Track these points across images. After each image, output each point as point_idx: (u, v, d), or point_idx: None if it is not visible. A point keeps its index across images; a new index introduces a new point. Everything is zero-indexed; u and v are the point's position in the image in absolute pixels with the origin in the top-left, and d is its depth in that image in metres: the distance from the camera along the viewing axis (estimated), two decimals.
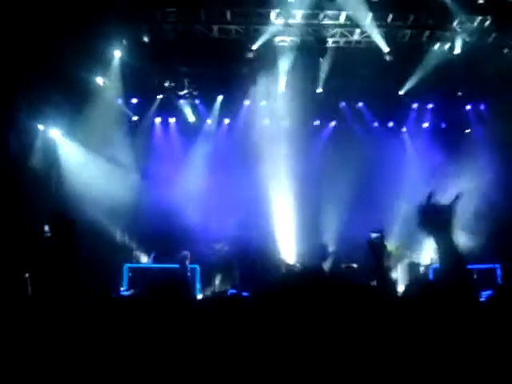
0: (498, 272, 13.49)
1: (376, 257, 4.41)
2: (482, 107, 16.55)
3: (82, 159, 14.30)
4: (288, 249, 15.84)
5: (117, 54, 14.35)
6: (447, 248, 2.83)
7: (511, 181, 14.54)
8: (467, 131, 16.97)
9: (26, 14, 11.37)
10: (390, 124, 17.33)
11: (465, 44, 14.34)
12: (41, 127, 13.87)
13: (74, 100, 13.72)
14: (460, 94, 16.02)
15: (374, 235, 4.51)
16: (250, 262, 14.94)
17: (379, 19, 13.84)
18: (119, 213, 14.58)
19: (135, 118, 16.55)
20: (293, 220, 16.02)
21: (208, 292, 13.80)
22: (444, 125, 17.17)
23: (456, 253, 2.84)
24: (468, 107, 16.64)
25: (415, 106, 16.73)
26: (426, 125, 17.05)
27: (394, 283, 4.44)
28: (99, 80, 14.43)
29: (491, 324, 2.70)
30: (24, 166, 12.78)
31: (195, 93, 16.23)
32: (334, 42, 14.79)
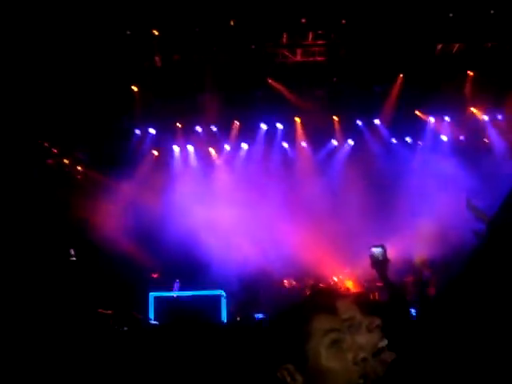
0: None
1: (379, 271, 4.39)
2: (500, 117, 16.43)
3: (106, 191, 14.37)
4: (311, 271, 15.70)
5: (135, 88, 14.53)
6: None
7: None
8: (486, 141, 16.85)
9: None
10: (408, 139, 17.23)
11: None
12: (66, 161, 14.02)
13: (97, 135, 13.90)
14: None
15: (375, 250, 4.48)
16: (275, 286, 14.90)
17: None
18: (144, 241, 14.62)
19: (154, 150, 16.66)
20: (314, 242, 15.92)
21: (235, 317, 13.75)
22: (462, 137, 17.06)
23: None
24: (485, 118, 16.51)
25: (432, 119, 16.64)
26: (444, 138, 16.93)
27: (403, 298, 4.37)
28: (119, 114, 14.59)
29: None
30: (49, 198, 12.92)
31: (212, 119, 16.33)
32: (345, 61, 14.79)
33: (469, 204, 4.04)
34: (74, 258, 12.33)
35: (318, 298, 2.41)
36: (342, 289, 15.21)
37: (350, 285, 15.54)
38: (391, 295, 4.27)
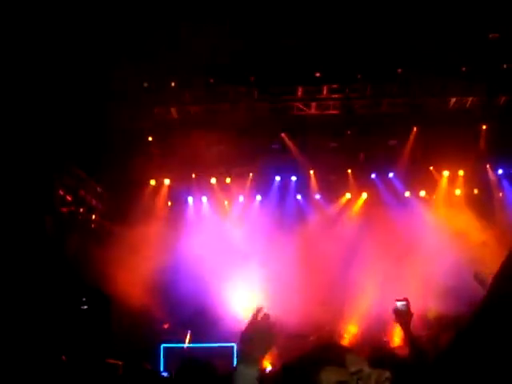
0: None
1: (402, 325, 4.35)
2: None
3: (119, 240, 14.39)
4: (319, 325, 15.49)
5: (150, 138, 14.72)
6: None
7: None
8: (500, 195, 16.83)
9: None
10: (422, 193, 17.22)
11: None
12: (81, 210, 14.10)
13: (112, 184, 14.01)
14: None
15: (399, 304, 4.45)
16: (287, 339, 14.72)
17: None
18: (156, 292, 14.56)
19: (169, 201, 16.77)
20: (328, 295, 15.78)
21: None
22: (476, 191, 17.04)
23: None
24: (500, 171, 16.52)
25: (446, 173, 16.64)
26: (458, 192, 16.90)
27: (424, 353, 4.31)
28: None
29: None
30: (61, 249, 12.95)
31: (227, 171, 16.45)
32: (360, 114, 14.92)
33: (476, 277, 4.03)
34: (85, 307, 12.28)
35: (327, 351, 2.40)
36: (353, 342, 15.07)
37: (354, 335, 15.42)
38: (414, 350, 4.23)
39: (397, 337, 13.42)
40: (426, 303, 14.57)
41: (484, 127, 14.80)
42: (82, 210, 14.18)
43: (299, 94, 14.42)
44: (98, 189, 14.84)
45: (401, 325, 4.36)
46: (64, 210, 13.70)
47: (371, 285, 14.91)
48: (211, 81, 13.73)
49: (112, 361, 11.02)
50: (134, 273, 13.53)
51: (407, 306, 4.43)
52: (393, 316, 4.49)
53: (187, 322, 15.39)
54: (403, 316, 4.38)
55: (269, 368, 13.66)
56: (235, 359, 13.35)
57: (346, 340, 15.25)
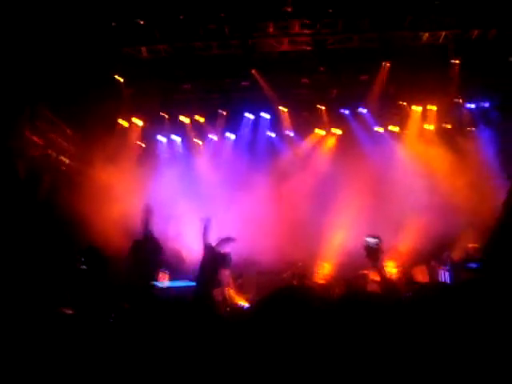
0: None
1: (373, 261, 4.36)
2: (487, 105, 16.48)
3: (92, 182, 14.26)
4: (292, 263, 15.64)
5: (120, 78, 14.46)
6: None
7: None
8: (472, 129, 16.92)
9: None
10: (394, 128, 17.25)
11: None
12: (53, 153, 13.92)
13: (82, 126, 13.82)
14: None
15: (371, 240, 4.44)
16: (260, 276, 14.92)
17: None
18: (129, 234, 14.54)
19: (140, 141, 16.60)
20: (301, 231, 15.89)
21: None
22: (448, 125, 17.11)
23: None
24: (472, 106, 16.56)
25: (418, 108, 16.65)
26: (430, 126, 16.96)
27: (394, 287, 4.35)
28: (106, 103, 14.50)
29: None
30: (34, 193, 12.83)
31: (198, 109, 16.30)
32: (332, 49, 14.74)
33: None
34: (84, 267, 12.19)
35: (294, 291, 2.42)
36: (327, 278, 15.28)
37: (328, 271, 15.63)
38: (385, 285, 4.26)
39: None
40: (398, 239, 14.80)
41: (457, 62, 14.71)
42: (52, 152, 14.00)
43: (270, 30, 14.17)
44: (69, 131, 14.62)
45: (372, 261, 4.36)
46: (35, 153, 13.52)
47: (344, 221, 15.05)
48: (181, 18, 13.44)
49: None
50: (107, 215, 13.47)
51: (379, 243, 4.42)
52: (364, 252, 4.48)
53: (164, 262, 15.45)
54: (374, 253, 4.38)
55: (245, 305, 13.87)
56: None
57: (320, 276, 15.47)
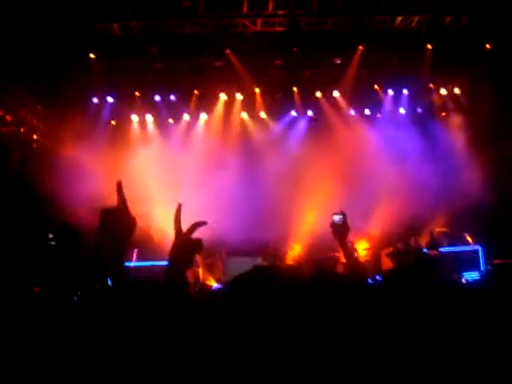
0: (480, 254, 13.62)
1: (339, 239, 4.36)
2: (457, 91, 16.63)
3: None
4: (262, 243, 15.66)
5: (92, 55, 14.33)
6: None
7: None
8: (443, 114, 17.11)
9: None
10: (366, 111, 17.35)
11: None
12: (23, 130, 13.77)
13: (53, 102, 13.67)
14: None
15: (336, 217, 4.44)
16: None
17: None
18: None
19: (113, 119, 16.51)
20: (273, 212, 15.92)
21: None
22: (420, 110, 17.27)
23: None
24: (443, 92, 16.71)
25: (390, 92, 16.76)
26: (402, 110, 17.09)
27: (359, 267, 4.39)
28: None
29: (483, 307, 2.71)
30: (3, 169, 12.71)
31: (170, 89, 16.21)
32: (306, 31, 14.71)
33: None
34: (53, 243, 12.02)
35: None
36: (298, 259, 15.37)
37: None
38: (350, 263, 4.28)
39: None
40: (369, 222, 14.92)
41: (429, 47, 14.79)
42: (22, 129, 13.84)
43: (244, 9, 14.10)
44: (39, 108, 14.46)
45: (338, 238, 4.37)
46: (4, 129, 13.37)
47: (315, 203, 15.10)
48: None
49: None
50: (79, 193, 13.37)
51: (344, 219, 4.43)
52: (330, 230, 4.49)
53: (133, 240, 15.33)
54: (340, 229, 4.38)
55: (214, 285, 13.93)
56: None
57: (291, 257, 15.56)
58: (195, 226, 3.12)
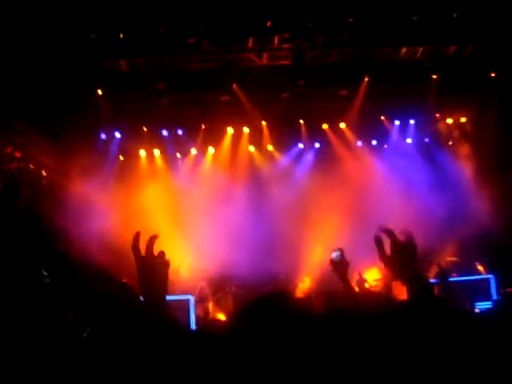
0: (492, 283, 13.50)
1: (339, 275, 4.36)
2: (463, 120, 16.67)
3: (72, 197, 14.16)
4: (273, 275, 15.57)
5: (99, 91, 14.48)
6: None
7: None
8: (450, 144, 17.13)
9: None
10: (373, 142, 17.37)
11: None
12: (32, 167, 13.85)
13: (61, 138, 13.78)
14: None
15: (333, 254, 4.45)
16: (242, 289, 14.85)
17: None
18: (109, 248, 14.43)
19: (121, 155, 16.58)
20: (282, 245, 15.86)
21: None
22: (427, 139, 17.29)
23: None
24: (449, 121, 16.76)
25: (397, 122, 16.81)
26: (409, 141, 17.12)
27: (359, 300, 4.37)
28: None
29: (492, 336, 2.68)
30: (12, 206, 12.74)
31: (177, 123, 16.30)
32: (311, 64, 14.81)
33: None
34: (48, 280, 12.01)
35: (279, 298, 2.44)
36: (307, 291, 15.28)
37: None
38: (351, 299, 4.26)
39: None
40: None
41: (434, 77, 14.88)
42: (31, 166, 13.93)
43: (250, 44, 14.23)
44: (47, 145, 14.54)
45: (338, 274, 4.36)
46: (13, 166, 13.46)
47: (324, 236, 15.04)
48: (161, 31, 13.46)
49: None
50: (86, 229, 13.37)
51: (342, 255, 4.43)
52: (331, 268, 4.49)
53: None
54: (339, 266, 4.38)
55: (224, 319, 13.83)
56: (191, 311, 13.49)
57: (301, 290, 15.47)
58: (150, 240, 3.08)
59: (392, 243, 3.38)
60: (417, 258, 3.57)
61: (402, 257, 3.67)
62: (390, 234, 3.33)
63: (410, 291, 3.41)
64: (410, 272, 3.46)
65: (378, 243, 3.49)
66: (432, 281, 13.44)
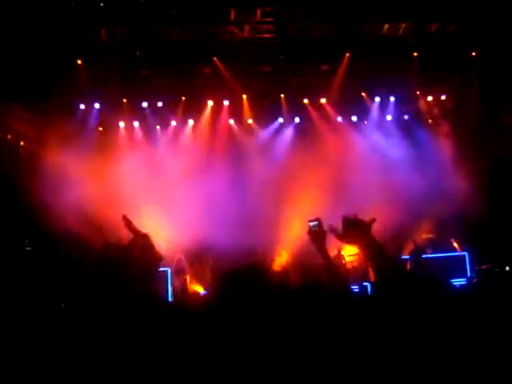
0: (467, 259, 13.68)
1: (317, 245, 4.36)
2: (443, 98, 16.74)
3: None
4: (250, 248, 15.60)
5: (79, 61, 14.32)
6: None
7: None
8: (430, 121, 17.21)
9: None
10: (353, 118, 17.40)
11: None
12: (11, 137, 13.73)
13: (40, 109, 13.65)
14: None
15: (311, 224, 4.44)
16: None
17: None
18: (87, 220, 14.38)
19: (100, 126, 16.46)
20: (261, 218, 15.89)
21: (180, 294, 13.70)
22: (407, 117, 17.36)
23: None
24: (430, 98, 16.82)
25: (377, 99, 16.84)
26: (389, 117, 17.17)
27: (342, 275, 4.38)
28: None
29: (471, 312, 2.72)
30: None
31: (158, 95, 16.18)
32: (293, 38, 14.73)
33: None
34: (29, 248, 11.94)
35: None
36: (285, 265, 15.35)
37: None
38: (329, 270, 4.27)
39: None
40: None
41: (415, 54, 14.87)
42: (9, 136, 13.78)
43: (232, 17, 14.12)
44: (26, 115, 14.40)
45: (316, 244, 4.36)
46: None
47: (302, 210, 15.08)
48: (142, 1, 13.29)
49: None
50: (66, 199, 13.32)
51: (319, 224, 4.43)
52: (308, 238, 4.49)
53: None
54: (317, 235, 4.38)
55: (202, 292, 13.90)
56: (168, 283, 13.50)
57: (278, 263, 15.54)
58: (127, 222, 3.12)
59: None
60: (371, 235, 3.71)
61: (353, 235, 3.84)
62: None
63: (375, 266, 3.48)
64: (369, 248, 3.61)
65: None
66: (406, 257, 13.61)
